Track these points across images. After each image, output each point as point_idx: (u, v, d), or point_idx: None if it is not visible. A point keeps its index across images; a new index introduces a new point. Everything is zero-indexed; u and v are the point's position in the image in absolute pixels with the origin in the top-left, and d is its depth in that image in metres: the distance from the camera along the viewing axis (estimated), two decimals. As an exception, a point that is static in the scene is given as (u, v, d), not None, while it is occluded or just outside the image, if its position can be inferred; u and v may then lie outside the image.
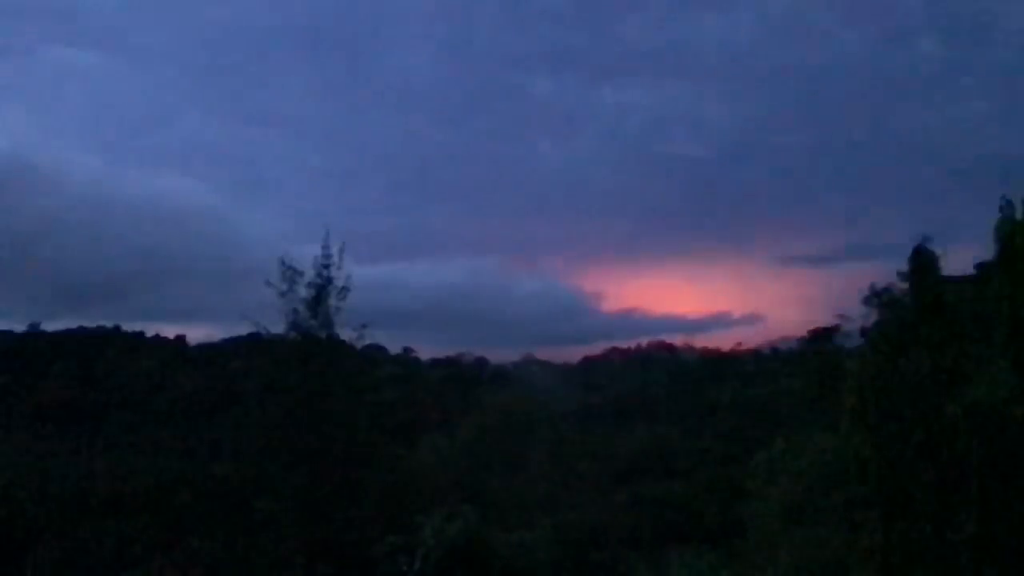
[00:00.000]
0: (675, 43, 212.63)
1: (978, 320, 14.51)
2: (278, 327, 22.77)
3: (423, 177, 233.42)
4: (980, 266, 18.96)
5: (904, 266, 15.80)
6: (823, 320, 47.72)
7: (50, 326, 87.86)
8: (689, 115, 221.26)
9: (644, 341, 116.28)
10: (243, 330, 59.40)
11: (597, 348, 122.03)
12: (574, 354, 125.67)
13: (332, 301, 22.64)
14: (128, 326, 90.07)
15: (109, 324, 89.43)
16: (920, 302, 14.91)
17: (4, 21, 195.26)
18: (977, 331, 14.35)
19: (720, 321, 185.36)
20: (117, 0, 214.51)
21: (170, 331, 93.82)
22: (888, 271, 17.51)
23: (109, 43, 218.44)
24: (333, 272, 22.66)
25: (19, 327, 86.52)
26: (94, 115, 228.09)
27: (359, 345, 25.05)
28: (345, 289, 22.69)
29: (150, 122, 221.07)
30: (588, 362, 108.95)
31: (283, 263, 22.34)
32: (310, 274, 22.59)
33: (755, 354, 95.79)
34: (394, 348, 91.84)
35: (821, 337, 47.23)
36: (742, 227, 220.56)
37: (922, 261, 15.12)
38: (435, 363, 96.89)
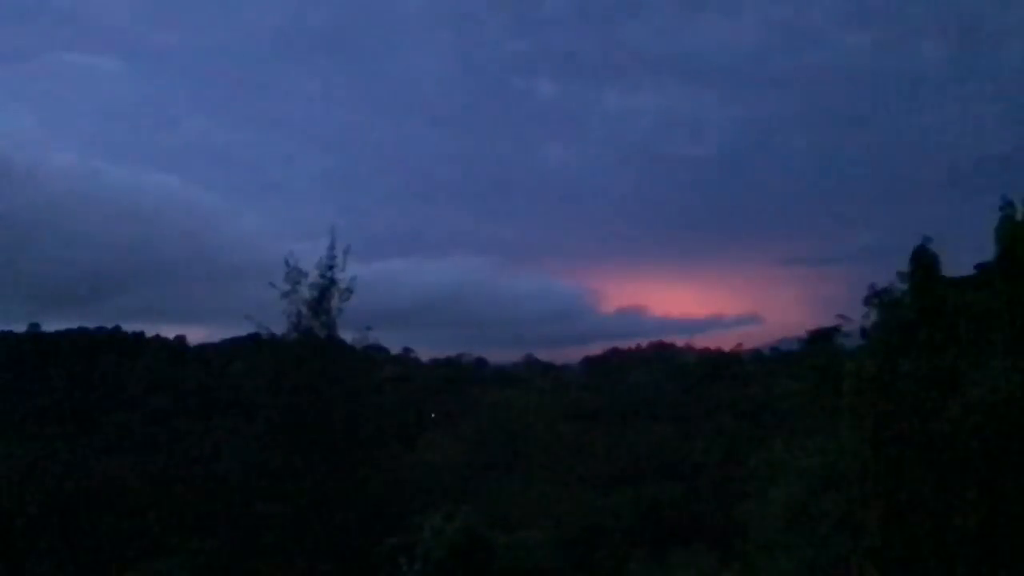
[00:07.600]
0: (679, 47, 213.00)
1: (978, 321, 14.50)
2: (280, 327, 22.84)
3: (427, 179, 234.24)
4: (980, 267, 18.98)
5: (904, 267, 15.79)
6: (823, 321, 47.70)
7: (50, 326, 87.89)
8: (692, 118, 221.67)
9: (644, 341, 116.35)
10: (243, 330, 59.52)
11: (597, 348, 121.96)
12: (574, 354, 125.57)
13: (335, 302, 22.70)
14: (128, 326, 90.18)
15: (109, 324, 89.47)
16: (920, 303, 14.91)
17: (10, 25, 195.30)
18: (977, 332, 14.34)
19: (720, 322, 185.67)
20: (122, 4, 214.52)
21: (170, 331, 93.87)
22: (888, 272, 17.50)
23: (114, 46, 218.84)
24: (336, 273, 22.73)
25: (19, 327, 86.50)
26: (97, 116, 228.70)
27: (360, 346, 25.11)
28: (348, 291, 22.74)
29: (154, 124, 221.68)
30: (588, 362, 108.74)
31: (287, 264, 22.40)
32: (313, 275, 22.65)
33: (755, 354, 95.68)
34: (394, 348, 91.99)
35: (821, 338, 47.20)
36: (743, 228, 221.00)
37: (922, 262, 15.11)
38: (435, 363, 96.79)
